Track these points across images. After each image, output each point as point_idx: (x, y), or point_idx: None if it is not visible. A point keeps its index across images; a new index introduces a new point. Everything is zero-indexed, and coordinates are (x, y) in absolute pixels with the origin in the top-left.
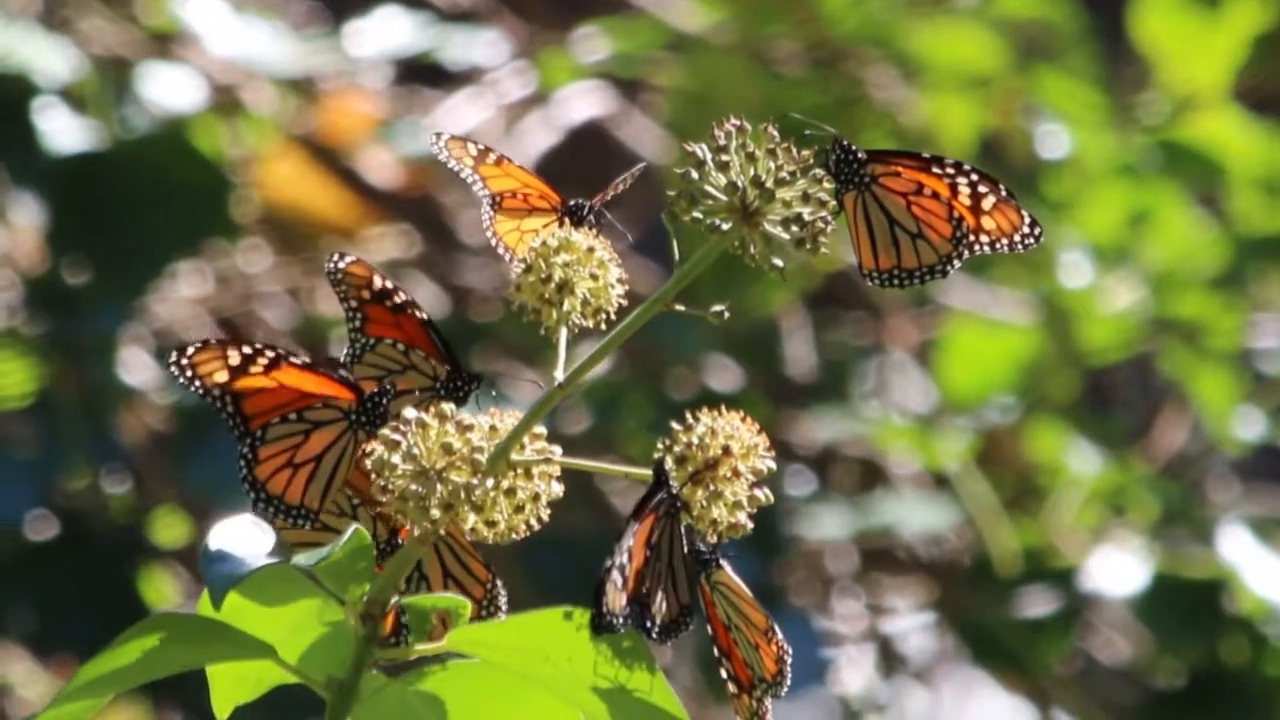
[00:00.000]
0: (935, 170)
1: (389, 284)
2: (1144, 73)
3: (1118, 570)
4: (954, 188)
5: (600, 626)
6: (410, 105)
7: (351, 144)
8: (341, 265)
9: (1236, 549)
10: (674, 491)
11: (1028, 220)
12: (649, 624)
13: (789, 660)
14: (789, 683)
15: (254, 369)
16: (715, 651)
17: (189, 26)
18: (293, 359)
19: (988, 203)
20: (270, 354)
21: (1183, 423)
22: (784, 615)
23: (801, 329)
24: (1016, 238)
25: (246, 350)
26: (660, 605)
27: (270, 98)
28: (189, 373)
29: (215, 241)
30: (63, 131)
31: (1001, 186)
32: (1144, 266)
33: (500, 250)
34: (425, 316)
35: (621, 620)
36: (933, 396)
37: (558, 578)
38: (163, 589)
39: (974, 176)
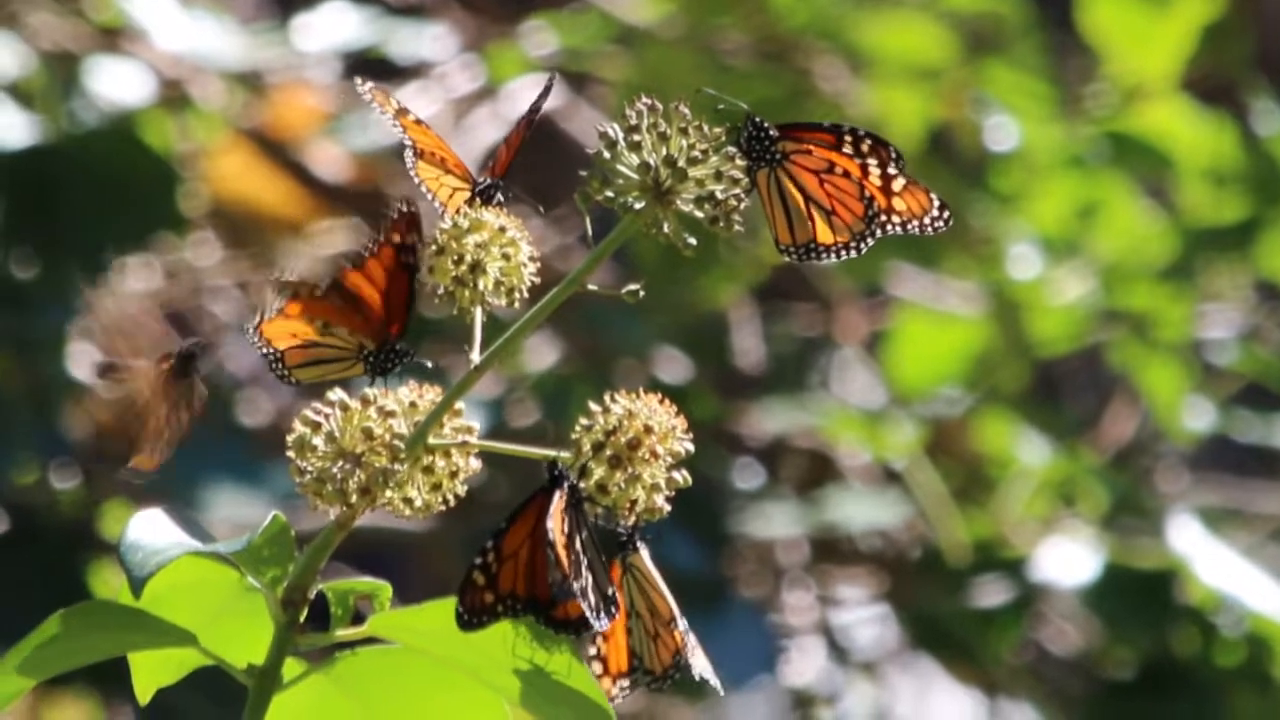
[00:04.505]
0: (845, 149)
1: (417, 241)
2: (1092, 64)
3: (1068, 560)
4: (864, 168)
5: (470, 622)
6: (358, 99)
7: (300, 138)
8: (403, 210)
9: (1186, 539)
10: (572, 484)
11: (936, 204)
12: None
13: (686, 652)
14: (677, 676)
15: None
16: None
17: (136, 21)
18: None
19: (898, 184)
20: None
21: (1132, 413)
22: (734, 607)
23: (750, 321)
24: (926, 220)
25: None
26: (585, 592)
27: (218, 92)
28: None
29: (164, 235)
30: (10, 127)
31: (894, 150)
32: (1093, 258)
33: (424, 191)
34: (414, 284)
35: (483, 619)
36: (882, 388)
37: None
38: (112, 583)
39: (868, 142)
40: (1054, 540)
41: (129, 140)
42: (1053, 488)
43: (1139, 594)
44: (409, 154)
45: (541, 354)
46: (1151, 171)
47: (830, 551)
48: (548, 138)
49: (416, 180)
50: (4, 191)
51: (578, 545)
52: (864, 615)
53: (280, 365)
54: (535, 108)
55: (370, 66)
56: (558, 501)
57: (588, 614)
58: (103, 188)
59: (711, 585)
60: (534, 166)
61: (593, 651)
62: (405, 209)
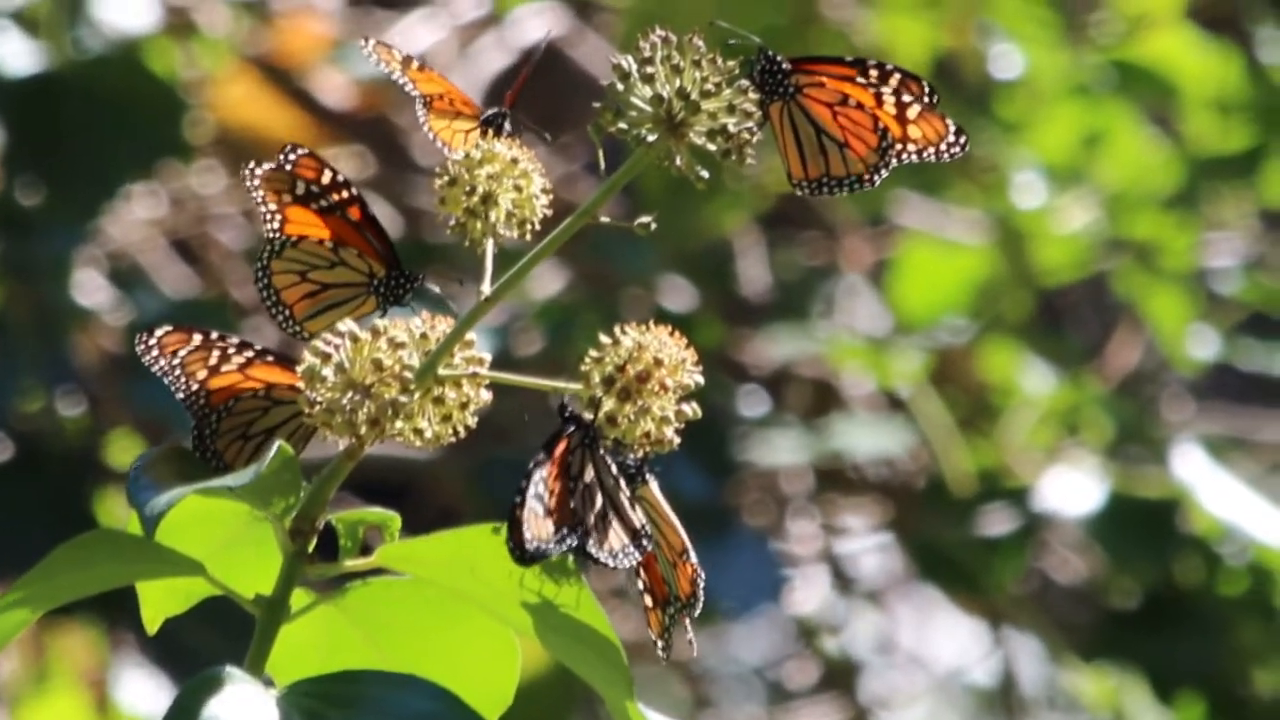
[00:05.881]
0: (860, 80)
1: (338, 178)
2: None
3: (1072, 490)
4: (879, 97)
5: (524, 557)
6: (364, 26)
7: (305, 65)
8: (293, 158)
9: (1191, 468)
10: (587, 421)
11: (953, 129)
12: (591, 549)
13: (701, 584)
14: (700, 605)
15: (227, 366)
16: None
17: None
18: (267, 356)
19: (913, 112)
20: (248, 351)
21: (1137, 342)
22: (739, 536)
23: (756, 249)
24: (942, 147)
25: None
26: (603, 532)
27: (224, 19)
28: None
29: (169, 163)
30: (16, 54)
31: (925, 84)
32: (1097, 187)
33: (438, 145)
34: (370, 212)
35: (549, 546)
36: (887, 317)
37: (509, 497)
38: (117, 511)
39: (897, 76)
40: (1058, 469)
41: (134, 67)
42: (1057, 417)
43: (1143, 523)
44: (420, 109)
45: (546, 282)
46: (1156, 100)
47: (835, 480)
48: (553, 66)
49: (430, 135)
50: (10, 118)
51: (586, 483)
52: (868, 544)
53: (290, 321)
54: (537, 51)
55: None
56: (561, 447)
57: (600, 555)
58: (108, 115)
59: (717, 513)
60: (539, 95)
61: (640, 585)
62: (293, 154)
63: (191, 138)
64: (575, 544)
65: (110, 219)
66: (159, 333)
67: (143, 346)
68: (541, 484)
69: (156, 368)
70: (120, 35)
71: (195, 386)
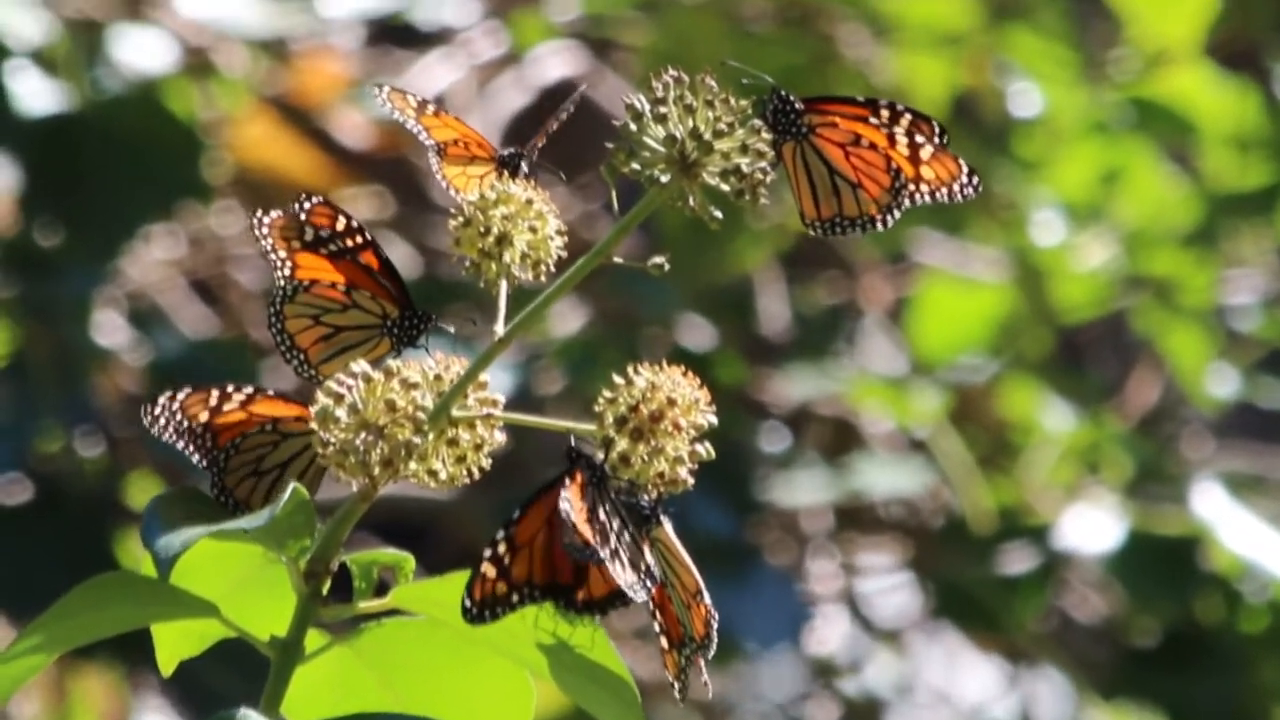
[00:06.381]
0: (873, 120)
1: (353, 223)
2: (1115, 29)
3: (1092, 528)
4: (892, 138)
5: (478, 616)
6: (382, 66)
7: (323, 105)
8: (308, 207)
9: (1211, 506)
10: (594, 461)
11: (965, 170)
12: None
13: (715, 625)
14: (714, 646)
15: (229, 405)
16: (649, 604)
17: None
18: (267, 391)
19: (925, 152)
20: (245, 391)
21: (1156, 380)
22: (760, 574)
23: (776, 287)
24: (955, 187)
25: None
26: (616, 555)
27: (242, 59)
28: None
29: (188, 203)
30: (35, 94)
31: (936, 125)
32: (1116, 224)
33: (451, 193)
34: (383, 254)
35: (495, 611)
36: (906, 355)
37: None
38: (137, 552)
39: (909, 117)
40: (1078, 507)
41: (153, 108)
42: (1077, 455)
43: (1163, 561)
44: (433, 157)
45: (567, 320)
46: (1175, 137)
47: (854, 519)
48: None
49: (444, 184)
50: (28, 159)
51: (601, 519)
52: (888, 583)
53: (305, 365)
54: (566, 105)
55: (394, 32)
56: (576, 479)
57: (620, 581)
58: (127, 155)
59: (738, 552)
60: (558, 135)
61: (655, 628)
62: (308, 204)
63: (210, 178)
64: (550, 595)
65: (129, 259)
66: (161, 400)
67: (149, 419)
68: (569, 501)
69: (159, 427)
70: (139, 76)
71: (199, 428)
